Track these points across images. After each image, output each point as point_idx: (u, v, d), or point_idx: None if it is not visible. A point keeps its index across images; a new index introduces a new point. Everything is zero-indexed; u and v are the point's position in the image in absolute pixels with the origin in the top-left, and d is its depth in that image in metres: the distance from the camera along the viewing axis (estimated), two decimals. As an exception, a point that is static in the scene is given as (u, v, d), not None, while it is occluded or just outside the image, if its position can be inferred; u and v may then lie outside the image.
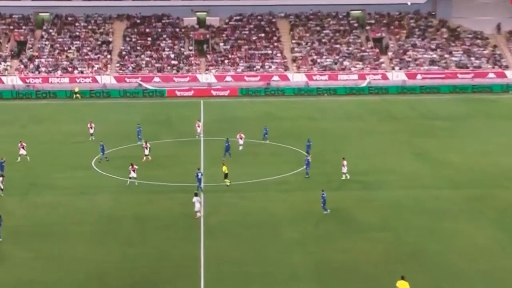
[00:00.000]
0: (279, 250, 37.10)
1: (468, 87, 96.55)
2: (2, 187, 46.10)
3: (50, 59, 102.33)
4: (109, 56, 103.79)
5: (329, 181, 49.99)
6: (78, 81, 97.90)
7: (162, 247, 37.47)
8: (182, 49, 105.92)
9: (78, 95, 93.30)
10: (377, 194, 47.21)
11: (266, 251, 36.88)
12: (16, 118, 78.93)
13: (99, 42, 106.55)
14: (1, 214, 39.24)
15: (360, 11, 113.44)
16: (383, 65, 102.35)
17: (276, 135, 65.03)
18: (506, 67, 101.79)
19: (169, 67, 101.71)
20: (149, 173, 52.32)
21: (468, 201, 45.66)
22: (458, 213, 43.07)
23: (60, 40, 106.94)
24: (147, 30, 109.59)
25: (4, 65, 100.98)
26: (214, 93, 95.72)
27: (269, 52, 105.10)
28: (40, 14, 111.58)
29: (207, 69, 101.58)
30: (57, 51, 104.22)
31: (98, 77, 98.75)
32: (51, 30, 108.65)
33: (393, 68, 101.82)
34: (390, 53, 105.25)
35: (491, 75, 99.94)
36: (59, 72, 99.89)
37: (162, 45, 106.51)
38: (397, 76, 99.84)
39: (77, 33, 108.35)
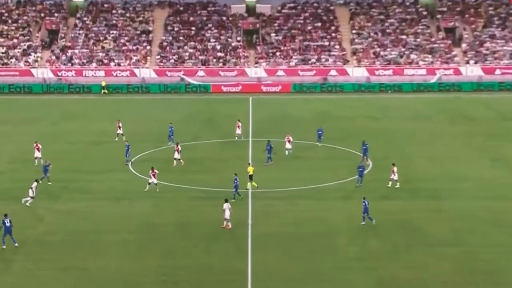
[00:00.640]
0: (335, 265, 36.93)
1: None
2: (32, 195, 46.29)
3: (84, 50, 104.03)
4: (148, 47, 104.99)
5: (392, 188, 49.70)
6: (114, 74, 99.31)
7: (205, 260, 37.62)
8: (229, 39, 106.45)
9: (105, 90, 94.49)
10: (448, 204, 46.64)
11: (320, 266, 36.73)
12: (47, 114, 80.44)
13: (138, 32, 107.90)
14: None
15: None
16: (456, 58, 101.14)
17: (332, 136, 64.84)
18: None
19: (214, 60, 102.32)
20: (192, 177, 52.69)
21: (553, 214, 44.75)
22: (542, 228, 42.24)
23: (95, 29, 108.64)
24: (191, 18, 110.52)
25: (34, 57, 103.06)
26: (264, 89, 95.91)
27: (326, 43, 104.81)
28: (74, 0, 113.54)
29: (256, 62, 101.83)
30: (92, 41, 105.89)
31: (136, 70, 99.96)
32: (85, 18, 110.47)
33: (467, 62, 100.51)
34: (464, 45, 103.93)
35: None
36: (93, 64, 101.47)
37: (207, 35, 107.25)
38: (472, 71, 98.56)
39: (114, 22, 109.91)
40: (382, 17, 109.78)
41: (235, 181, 46.99)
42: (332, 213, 44.97)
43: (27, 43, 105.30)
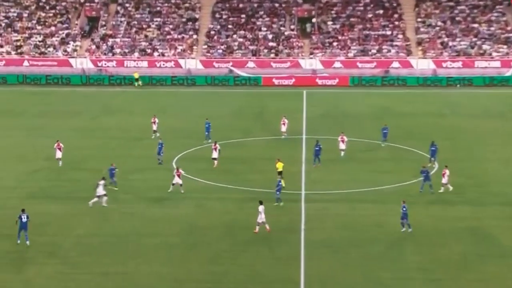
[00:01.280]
0: (395, 275, 36.69)
1: None
2: (98, 193, 46.33)
3: (126, 39, 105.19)
4: (195, 36, 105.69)
5: (461, 192, 49.26)
6: (158, 65, 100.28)
7: (254, 266, 37.74)
8: (282, 28, 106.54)
9: (139, 82, 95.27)
10: (524, 211, 46.10)
11: (379, 276, 36.56)
12: (86, 108, 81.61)
13: (183, 19, 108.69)
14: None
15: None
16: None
17: (394, 134, 64.48)
18: None
19: (266, 50, 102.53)
20: (240, 177, 52.95)
21: None
22: None
23: (138, 16, 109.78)
24: (241, 5, 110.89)
25: (73, 46, 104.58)
26: (319, 82, 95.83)
27: (388, 33, 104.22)
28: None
29: (311, 53, 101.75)
30: (134, 29, 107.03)
31: (181, 61, 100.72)
32: (127, 5, 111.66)
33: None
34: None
35: None
36: (136, 54, 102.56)
37: (258, 23, 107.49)
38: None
39: (158, 9, 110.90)
40: (451, 3, 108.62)
41: (279, 183, 47.07)
42: (393, 218, 44.66)
43: (66, 31, 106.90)
